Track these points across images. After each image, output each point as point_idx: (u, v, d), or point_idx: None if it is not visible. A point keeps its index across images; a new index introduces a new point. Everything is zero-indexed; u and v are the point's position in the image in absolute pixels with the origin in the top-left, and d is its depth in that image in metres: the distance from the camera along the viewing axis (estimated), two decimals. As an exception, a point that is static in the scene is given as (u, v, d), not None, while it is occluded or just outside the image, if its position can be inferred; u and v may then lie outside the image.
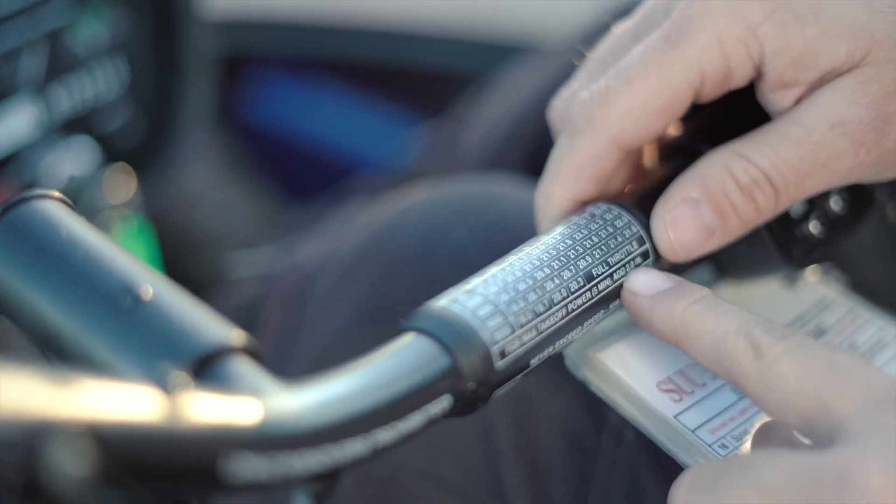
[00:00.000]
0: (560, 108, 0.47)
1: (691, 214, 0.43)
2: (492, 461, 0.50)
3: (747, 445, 0.44)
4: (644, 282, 0.43)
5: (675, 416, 0.44)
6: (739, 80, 0.44)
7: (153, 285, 0.36)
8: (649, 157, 0.49)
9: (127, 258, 0.37)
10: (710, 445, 0.43)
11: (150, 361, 0.33)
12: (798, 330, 0.40)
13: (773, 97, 0.44)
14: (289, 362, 0.57)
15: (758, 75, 0.44)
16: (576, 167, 0.45)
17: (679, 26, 0.43)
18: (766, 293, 0.51)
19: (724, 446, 0.43)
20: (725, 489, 0.36)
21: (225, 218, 1.07)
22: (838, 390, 0.36)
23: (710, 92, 0.44)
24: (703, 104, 0.45)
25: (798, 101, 0.44)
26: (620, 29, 0.47)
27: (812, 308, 0.51)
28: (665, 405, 0.44)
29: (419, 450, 0.51)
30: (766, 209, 0.44)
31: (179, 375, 0.31)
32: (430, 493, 0.51)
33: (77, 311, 0.35)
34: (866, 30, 0.42)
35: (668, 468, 0.45)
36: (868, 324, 0.51)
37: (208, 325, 0.35)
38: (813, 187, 0.44)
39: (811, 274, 0.52)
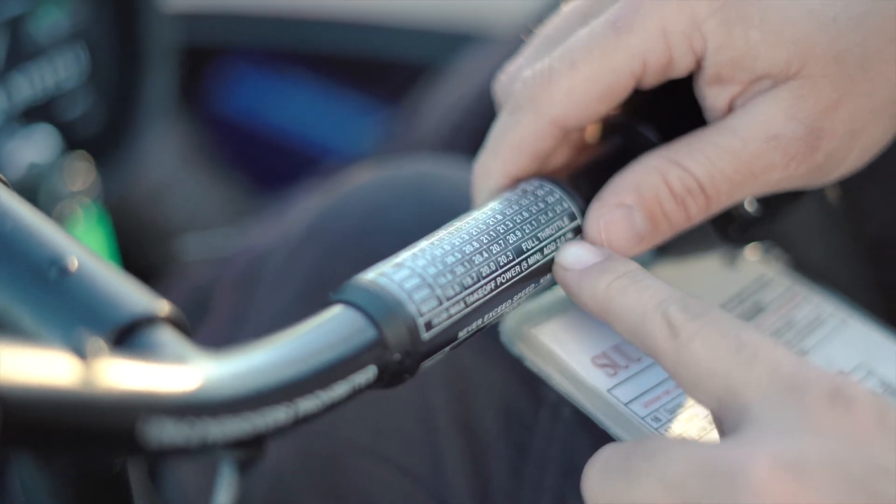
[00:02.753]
0: (504, 83, 0.48)
1: (624, 221, 0.44)
2: (432, 437, 0.50)
3: (680, 418, 0.44)
4: (573, 255, 0.43)
5: (609, 390, 0.44)
6: (680, 70, 0.44)
7: (80, 257, 0.36)
8: (585, 133, 0.49)
9: (55, 231, 0.37)
10: (642, 418, 0.44)
11: (72, 331, 0.34)
12: (712, 306, 0.39)
13: (707, 91, 0.45)
14: (238, 343, 0.57)
15: (697, 68, 0.44)
16: (515, 144, 0.45)
17: (626, 13, 0.43)
18: (706, 271, 0.51)
19: (657, 419, 0.44)
20: (632, 478, 0.36)
21: (189, 207, 1.07)
22: (744, 373, 0.36)
23: (651, 79, 0.44)
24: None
25: (731, 102, 0.44)
26: (569, 7, 0.47)
27: (750, 285, 0.51)
28: (599, 379, 0.45)
29: (362, 427, 0.52)
30: (696, 216, 0.44)
31: (96, 342, 0.31)
32: (372, 470, 0.52)
33: (3, 282, 0.36)
34: (808, 41, 0.43)
35: (603, 443, 0.45)
36: (805, 301, 0.51)
37: (132, 295, 0.35)
38: (742, 195, 0.45)
39: (751, 252, 0.52)
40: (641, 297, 0.40)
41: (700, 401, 0.38)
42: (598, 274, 0.42)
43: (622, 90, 0.44)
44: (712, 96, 0.45)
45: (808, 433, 0.34)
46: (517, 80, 0.45)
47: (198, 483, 0.60)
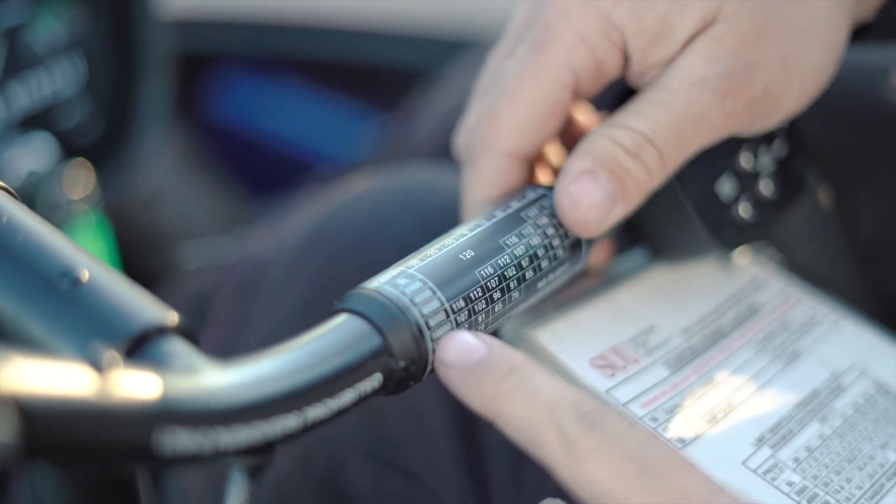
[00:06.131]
0: (459, 141, 0.49)
1: (591, 183, 0.43)
2: (433, 441, 0.51)
3: (677, 419, 0.45)
4: (454, 351, 0.39)
5: (607, 391, 0.45)
6: (612, 69, 0.45)
7: (90, 269, 0.37)
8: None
9: (66, 243, 0.38)
10: (640, 419, 0.45)
11: (85, 342, 0.34)
12: (609, 412, 0.37)
13: (645, 81, 0.46)
14: (239, 351, 0.58)
15: (625, 61, 0.45)
16: (484, 189, 0.47)
17: (541, 34, 0.45)
18: (701, 274, 0.52)
19: (654, 419, 0.45)
20: None
21: (186, 213, 1.08)
22: (649, 499, 0.34)
23: (589, 87, 0.46)
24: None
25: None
26: (495, 54, 0.49)
27: (746, 287, 0.52)
28: (597, 380, 0.46)
29: (363, 431, 0.53)
30: (655, 170, 0.45)
31: (111, 354, 0.32)
32: (375, 473, 0.52)
33: (15, 294, 0.36)
34: None
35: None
36: (800, 303, 0.52)
37: (143, 306, 0.36)
38: (691, 145, 0.45)
39: (745, 255, 0.53)
40: (530, 404, 0.36)
41: None
42: (482, 375, 0.38)
43: (563, 104, 0.45)
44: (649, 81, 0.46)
45: None
46: (466, 130, 0.47)
47: (200, 488, 0.61)
